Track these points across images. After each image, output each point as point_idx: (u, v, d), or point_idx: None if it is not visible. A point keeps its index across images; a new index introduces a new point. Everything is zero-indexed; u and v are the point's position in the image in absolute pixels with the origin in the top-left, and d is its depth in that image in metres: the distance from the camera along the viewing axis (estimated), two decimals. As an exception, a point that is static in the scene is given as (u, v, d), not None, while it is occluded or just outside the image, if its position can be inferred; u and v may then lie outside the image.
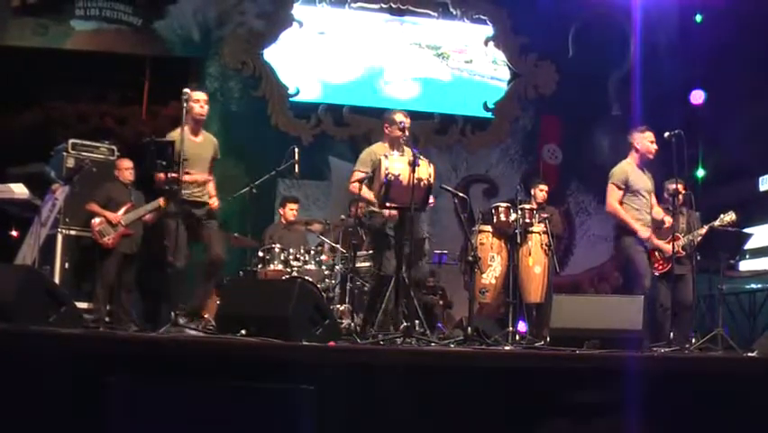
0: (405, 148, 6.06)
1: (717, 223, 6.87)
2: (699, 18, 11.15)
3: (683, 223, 7.18)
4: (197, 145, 6.24)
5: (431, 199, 5.94)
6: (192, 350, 3.98)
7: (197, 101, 6.21)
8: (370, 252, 7.61)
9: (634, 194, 6.54)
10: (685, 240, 6.98)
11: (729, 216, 6.87)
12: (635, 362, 4.61)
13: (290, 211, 8.27)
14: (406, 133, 6.12)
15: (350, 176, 6.29)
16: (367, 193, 5.96)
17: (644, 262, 6.47)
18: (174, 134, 5.99)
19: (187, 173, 5.81)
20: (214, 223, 6.33)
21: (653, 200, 6.72)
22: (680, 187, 7.17)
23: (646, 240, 6.52)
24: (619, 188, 6.56)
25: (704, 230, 6.87)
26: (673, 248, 6.36)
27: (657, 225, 6.77)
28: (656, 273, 7.02)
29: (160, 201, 7.27)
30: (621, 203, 6.55)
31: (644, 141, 6.58)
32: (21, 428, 3.52)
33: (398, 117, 6.17)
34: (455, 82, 11.19)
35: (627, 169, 6.60)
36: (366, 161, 6.18)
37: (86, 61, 9.93)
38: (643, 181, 6.59)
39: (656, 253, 7.03)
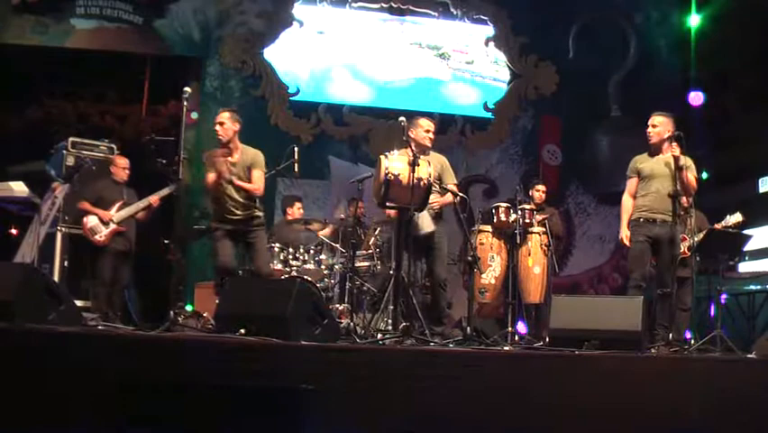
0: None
1: (722, 223, 6.85)
2: (698, 19, 11.17)
3: (692, 224, 7.13)
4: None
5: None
6: (191, 349, 3.98)
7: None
8: (369, 251, 7.62)
9: (645, 181, 6.41)
10: (691, 241, 6.96)
11: (736, 218, 6.85)
12: (634, 362, 4.62)
13: (298, 210, 8.38)
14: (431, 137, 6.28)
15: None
16: None
17: (637, 254, 6.35)
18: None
19: None
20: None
21: (687, 175, 6.28)
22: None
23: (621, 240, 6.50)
24: (631, 178, 6.50)
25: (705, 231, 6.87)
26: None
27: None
28: None
29: (151, 199, 7.30)
30: (636, 193, 6.47)
31: (649, 125, 6.46)
32: (20, 426, 3.52)
33: (426, 124, 6.30)
34: (455, 81, 11.18)
35: (637, 158, 6.51)
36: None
37: (87, 60, 9.93)
38: (655, 167, 6.38)
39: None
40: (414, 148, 5.83)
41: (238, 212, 6.20)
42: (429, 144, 6.26)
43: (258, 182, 6.25)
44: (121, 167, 7.73)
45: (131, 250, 7.58)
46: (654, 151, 6.41)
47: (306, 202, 9.82)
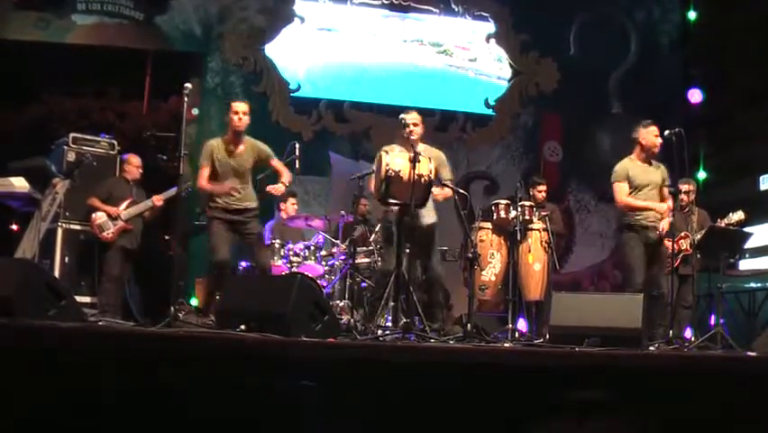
0: (418, 145, 6.03)
1: (725, 221, 6.86)
2: (699, 16, 11.17)
3: (695, 222, 7.15)
4: (235, 158, 6.39)
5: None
6: (191, 345, 3.98)
7: (236, 112, 6.31)
8: (369, 247, 7.61)
9: (636, 190, 6.50)
10: (692, 239, 6.96)
11: (738, 215, 6.85)
12: (634, 360, 4.62)
13: (291, 206, 8.29)
14: (410, 130, 6.02)
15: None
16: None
17: (637, 259, 6.40)
18: (212, 142, 6.38)
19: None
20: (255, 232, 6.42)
21: (666, 192, 6.57)
22: (690, 186, 7.20)
23: (668, 213, 6.47)
24: (623, 183, 6.52)
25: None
26: (673, 247, 6.36)
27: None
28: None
29: (154, 200, 7.33)
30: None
31: (649, 135, 6.49)
32: (21, 425, 3.52)
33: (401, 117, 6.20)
34: (456, 78, 11.17)
35: (628, 165, 6.56)
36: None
37: (88, 56, 9.92)
38: (647, 176, 6.51)
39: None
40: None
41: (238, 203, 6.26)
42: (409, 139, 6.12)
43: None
44: (134, 165, 7.79)
45: (134, 248, 7.61)
46: (651, 157, 6.58)
47: (306, 198, 9.83)
